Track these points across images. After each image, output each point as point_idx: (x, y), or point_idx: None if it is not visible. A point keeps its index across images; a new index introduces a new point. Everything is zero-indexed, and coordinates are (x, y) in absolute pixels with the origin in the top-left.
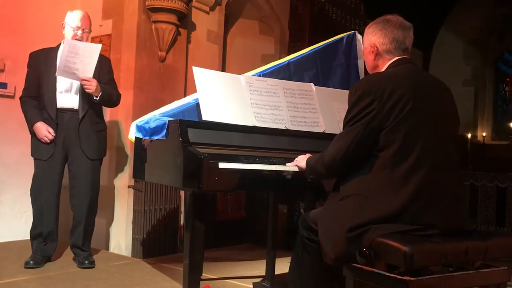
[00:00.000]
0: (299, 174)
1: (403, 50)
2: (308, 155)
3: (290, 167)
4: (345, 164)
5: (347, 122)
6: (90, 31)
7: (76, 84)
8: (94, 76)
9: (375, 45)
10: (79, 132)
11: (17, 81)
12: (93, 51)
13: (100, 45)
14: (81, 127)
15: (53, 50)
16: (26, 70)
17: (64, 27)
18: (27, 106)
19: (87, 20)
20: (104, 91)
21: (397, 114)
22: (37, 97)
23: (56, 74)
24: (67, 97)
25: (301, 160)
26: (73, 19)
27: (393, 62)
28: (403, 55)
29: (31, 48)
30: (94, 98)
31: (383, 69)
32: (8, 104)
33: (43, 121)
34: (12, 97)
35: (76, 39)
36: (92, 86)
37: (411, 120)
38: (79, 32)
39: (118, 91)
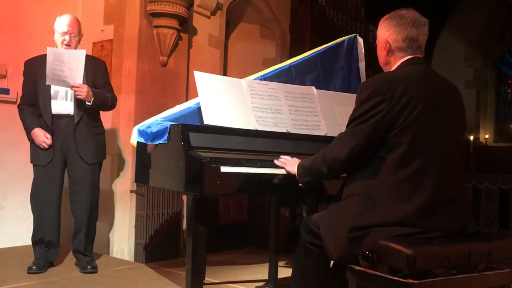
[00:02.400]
0: None
1: (416, 48)
2: (294, 158)
3: (286, 172)
4: (349, 164)
5: (354, 119)
6: (79, 35)
7: (70, 90)
8: (89, 80)
9: (388, 41)
10: (75, 137)
11: (19, 87)
12: (79, 57)
13: (84, 50)
14: (77, 132)
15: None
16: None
17: (54, 33)
18: (25, 114)
19: (75, 25)
20: (96, 96)
21: (406, 117)
22: (34, 104)
23: (47, 83)
24: (62, 103)
25: (290, 164)
26: (60, 24)
27: (405, 61)
28: (416, 53)
29: (33, 54)
30: (87, 103)
31: (394, 67)
32: (10, 109)
33: (40, 127)
34: (14, 102)
35: (65, 45)
36: (83, 92)
37: (418, 124)
38: (67, 37)
39: (114, 94)
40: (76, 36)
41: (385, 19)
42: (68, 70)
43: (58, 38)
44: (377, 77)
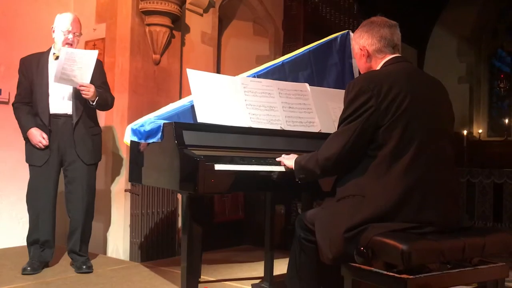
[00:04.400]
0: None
1: (392, 47)
2: (294, 155)
3: (285, 167)
4: (341, 163)
5: (344, 119)
6: (80, 34)
7: (68, 89)
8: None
9: (364, 47)
10: (74, 137)
11: (12, 87)
12: (91, 57)
13: (96, 51)
14: (75, 132)
15: (44, 55)
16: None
17: (54, 31)
18: (20, 113)
19: (77, 24)
20: (100, 95)
21: (394, 111)
22: (30, 103)
23: (54, 81)
24: (60, 103)
25: (288, 158)
26: (63, 22)
27: (388, 60)
28: (394, 52)
29: (25, 54)
30: (91, 103)
31: (377, 68)
32: (3, 110)
33: (37, 127)
34: (7, 103)
35: (67, 44)
36: (90, 92)
37: (407, 118)
38: (70, 36)
39: (111, 94)
40: (79, 36)
41: (357, 30)
42: (78, 70)
43: (59, 36)
44: (362, 76)
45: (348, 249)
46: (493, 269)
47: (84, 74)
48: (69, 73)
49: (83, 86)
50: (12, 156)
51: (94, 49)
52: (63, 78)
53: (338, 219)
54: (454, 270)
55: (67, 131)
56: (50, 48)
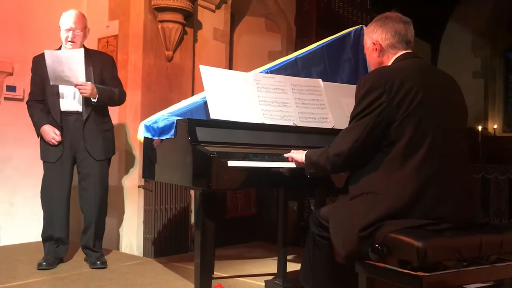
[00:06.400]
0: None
1: (406, 43)
2: (303, 150)
3: (295, 162)
4: (352, 159)
5: (355, 116)
6: (83, 30)
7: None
8: (96, 75)
9: (378, 42)
10: (84, 134)
11: (26, 84)
12: (76, 56)
13: (82, 49)
14: (85, 128)
15: None
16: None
17: (60, 30)
18: (33, 110)
19: (79, 21)
20: (101, 93)
21: (407, 107)
22: (43, 100)
23: (51, 83)
24: (70, 100)
25: (297, 153)
26: (63, 21)
27: (399, 56)
28: (407, 48)
29: (39, 51)
30: (92, 100)
31: (389, 64)
32: (18, 107)
33: (49, 124)
34: (21, 100)
35: (69, 41)
36: (87, 90)
37: (420, 113)
38: (70, 34)
39: (122, 88)
40: (80, 32)
41: (370, 24)
42: (68, 70)
43: (62, 35)
44: (373, 72)
45: (362, 247)
46: (511, 266)
47: (76, 74)
48: (60, 74)
49: (78, 84)
50: (26, 153)
51: (107, 46)
52: (58, 79)
53: (352, 219)
54: (470, 268)
55: (78, 128)
56: (61, 46)
